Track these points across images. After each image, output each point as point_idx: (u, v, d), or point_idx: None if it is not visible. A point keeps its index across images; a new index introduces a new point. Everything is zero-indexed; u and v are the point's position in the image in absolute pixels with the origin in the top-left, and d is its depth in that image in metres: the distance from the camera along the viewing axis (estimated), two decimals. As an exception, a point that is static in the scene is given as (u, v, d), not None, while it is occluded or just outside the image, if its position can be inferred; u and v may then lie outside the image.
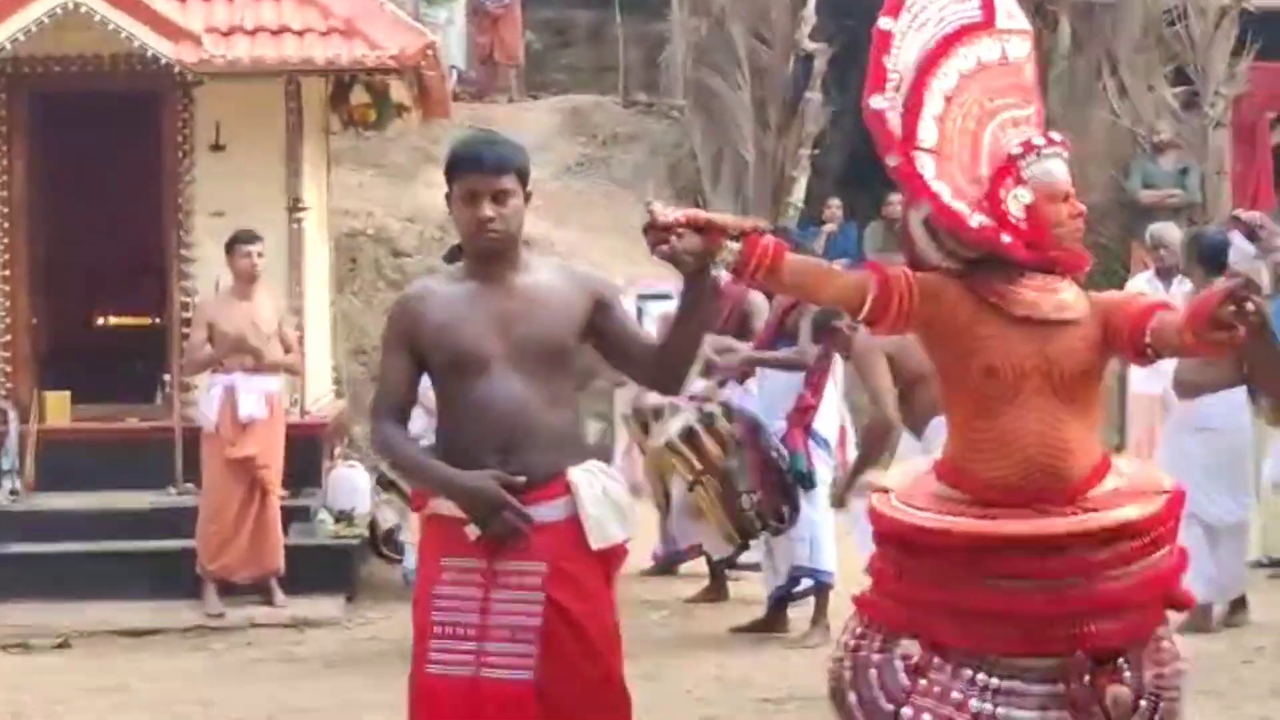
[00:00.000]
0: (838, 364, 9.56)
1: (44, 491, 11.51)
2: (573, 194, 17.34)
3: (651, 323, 10.80)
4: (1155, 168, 16.84)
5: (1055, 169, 4.50)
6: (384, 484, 10.44)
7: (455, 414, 4.74)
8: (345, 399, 13.42)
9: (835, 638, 4.82)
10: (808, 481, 9.19)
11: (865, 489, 5.89)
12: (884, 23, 4.55)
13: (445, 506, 4.71)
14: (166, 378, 11.93)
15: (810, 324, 9.10)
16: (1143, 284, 11.22)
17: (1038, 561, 4.35)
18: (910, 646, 4.45)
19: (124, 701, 8.57)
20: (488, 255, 4.76)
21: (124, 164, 12.61)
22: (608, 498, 4.72)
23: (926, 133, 4.48)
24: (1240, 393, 9.30)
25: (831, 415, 9.50)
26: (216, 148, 11.82)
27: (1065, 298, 4.48)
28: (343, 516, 11.48)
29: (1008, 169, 4.49)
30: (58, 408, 11.87)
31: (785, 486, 9.14)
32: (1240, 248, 11.83)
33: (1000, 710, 4.35)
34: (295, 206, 11.95)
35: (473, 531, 4.62)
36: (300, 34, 11.66)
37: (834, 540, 9.19)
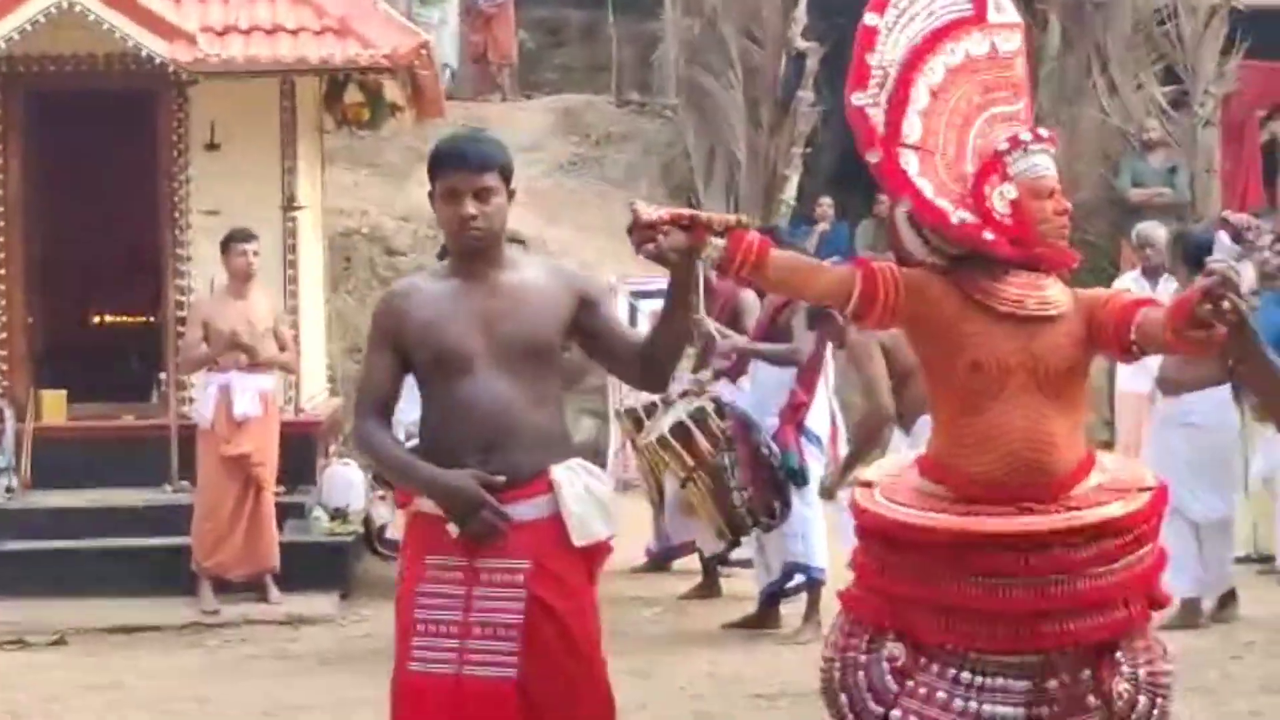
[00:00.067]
0: (828, 362, 9.57)
1: (40, 489, 11.51)
2: (566, 193, 17.34)
3: (645, 320, 10.81)
4: (1144, 166, 16.85)
5: (1042, 164, 4.48)
6: (379, 481, 10.44)
7: (439, 412, 4.72)
8: (340, 397, 13.41)
9: (826, 634, 4.81)
10: (799, 478, 9.19)
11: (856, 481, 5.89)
12: (869, 18, 4.53)
13: (428, 505, 4.69)
14: (162, 376, 11.94)
15: (805, 314, 9.09)
16: (1129, 283, 11.22)
17: (1021, 559, 4.32)
18: (895, 649, 4.43)
19: (120, 698, 8.56)
20: (471, 253, 4.74)
21: (119, 163, 12.62)
22: (591, 495, 4.70)
23: (911, 128, 4.47)
24: (1224, 390, 9.32)
25: (823, 412, 9.50)
26: (211, 147, 11.82)
27: (1050, 294, 4.47)
28: (337, 514, 11.47)
29: (994, 165, 4.47)
30: (54, 406, 11.87)
31: (776, 483, 9.15)
32: (1225, 247, 11.87)
33: (985, 707, 4.34)
34: (290, 205, 11.95)
35: (453, 529, 4.61)
36: (294, 33, 11.66)
37: (825, 536, 9.18)
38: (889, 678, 4.43)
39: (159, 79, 11.48)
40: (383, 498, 10.87)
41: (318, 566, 10.88)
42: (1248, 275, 11.31)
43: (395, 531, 10.29)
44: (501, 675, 4.56)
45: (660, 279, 4.68)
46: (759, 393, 9.48)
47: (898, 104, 4.47)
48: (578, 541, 4.66)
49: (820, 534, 9.23)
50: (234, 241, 10.57)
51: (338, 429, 12.97)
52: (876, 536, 4.53)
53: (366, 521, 11.51)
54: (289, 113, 11.96)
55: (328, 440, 12.44)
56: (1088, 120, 17.24)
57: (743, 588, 10.08)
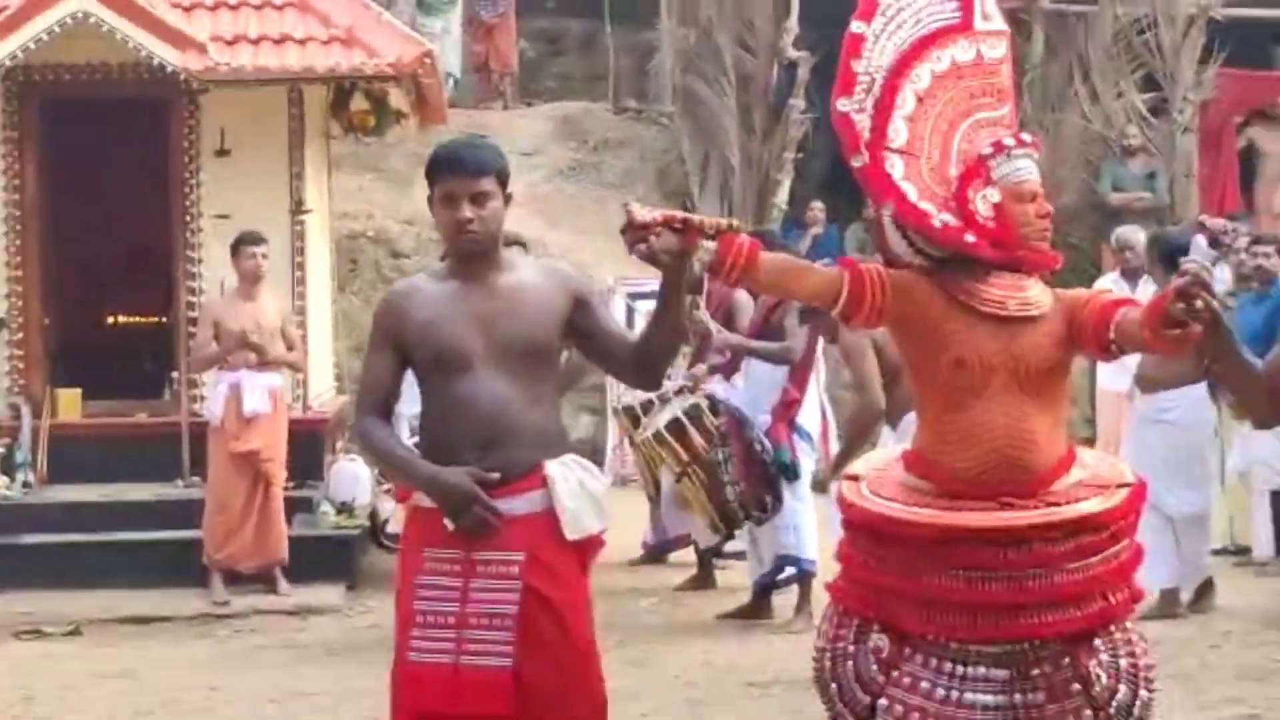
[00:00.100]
0: (820, 360, 9.57)
1: (56, 484, 11.50)
2: (565, 198, 17.34)
3: (642, 320, 10.80)
4: (1125, 171, 16.85)
5: (1024, 169, 4.45)
6: (383, 476, 10.42)
7: (438, 410, 4.72)
8: (346, 395, 13.39)
9: (817, 624, 4.80)
10: (791, 473, 9.19)
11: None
12: (856, 26, 4.50)
13: (426, 500, 4.69)
14: (174, 375, 11.93)
15: (797, 311, 9.09)
16: (1109, 284, 11.21)
17: (1000, 553, 4.30)
18: (879, 640, 4.42)
19: (132, 687, 8.55)
20: (468, 255, 4.74)
21: (132, 168, 12.62)
22: (584, 490, 4.69)
23: (897, 133, 4.44)
24: (1200, 388, 9.31)
25: (814, 409, 9.50)
26: (222, 153, 11.82)
27: (1031, 295, 4.44)
28: (344, 508, 11.48)
29: (977, 169, 4.44)
30: (69, 404, 11.87)
31: (768, 478, 9.15)
32: (1202, 250, 11.86)
33: (967, 695, 4.32)
34: (298, 209, 11.94)
35: (449, 524, 4.61)
36: (302, 43, 11.66)
37: (816, 529, 9.17)
38: (874, 668, 4.42)
39: (171, 87, 11.48)
40: (388, 491, 10.86)
41: (325, 559, 10.88)
42: (1223, 277, 11.32)
43: (398, 525, 10.28)
44: (498, 665, 4.55)
45: (656, 281, 4.66)
46: (752, 390, 9.48)
47: (884, 109, 4.45)
48: (570, 535, 4.65)
49: (811, 527, 9.23)
50: (243, 244, 10.56)
51: (344, 426, 12.95)
52: (862, 530, 4.52)
53: (372, 515, 11.51)
54: (297, 120, 11.95)
55: (335, 437, 12.44)
56: (1070, 126, 17.24)
57: (737, 579, 10.08)
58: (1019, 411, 4.37)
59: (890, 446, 6.79)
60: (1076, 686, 4.30)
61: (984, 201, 4.42)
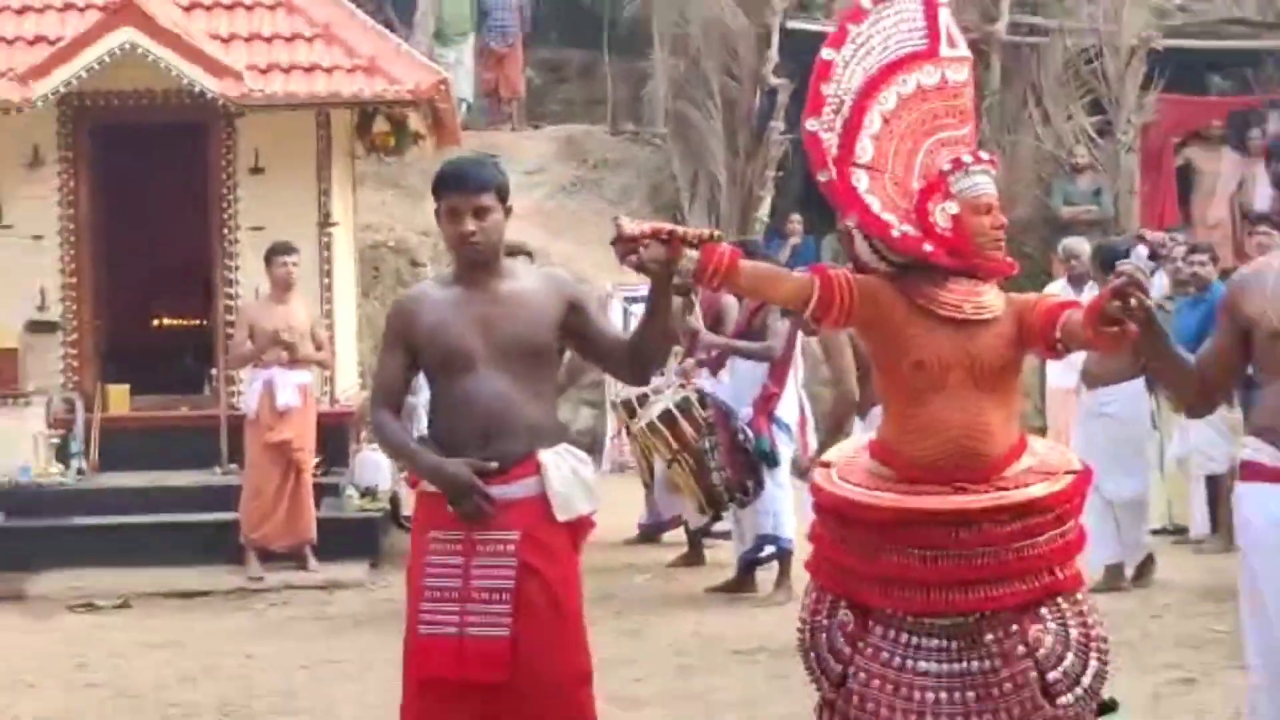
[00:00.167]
0: (798, 358, 9.58)
1: (106, 471, 11.52)
2: (568, 212, 17.33)
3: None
4: (1074, 187, 16.85)
5: (981, 184, 4.40)
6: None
7: (445, 405, 4.74)
8: (370, 390, 13.38)
9: (798, 596, 4.81)
10: (771, 460, 9.20)
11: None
12: (826, 53, 4.46)
13: (432, 486, 4.71)
14: (213, 372, 11.94)
15: (778, 315, 9.09)
16: (1057, 290, 11.22)
17: (952, 533, 4.28)
18: (845, 614, 4.41)
19: (176, 655, 8.55)
20: (472, 264, 4.74)
21: (175, 186, 12.62)
22: (576, 477, 4.71)
23: (863, 150, 4.41)
24: (1138, 384, 9.33)
25: (792, 402, 9.50)
26: (256, 171, 11.82)
27: (986, 300, 4.41)
28: (367, 492, 11.47)
29: (938, 184, 4.41)
30: (118, 399, 11.88)
31: (751, 464, 9.15)
32: (1141, 258, 11.87)
33: (920, 664, 4.30)
34: (325, 222, 11.94)
35: (451, 508, 4.63)
36: (329, 71, 11.66)
37: (794, 511, 9.18)
38: (842, 640, 4.41)
39: (210, 112, 11.48)
40: (405, 478, 10.87)
41: (350, 539, 10.88)
42: (1160, 284, 11.32)
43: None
44: (497, 634, 4.57)
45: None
46: (736, 385, 9.48)
47: (852, 128, 4.41)
48: (561, 516, 4.67)
49: (788, 510, 9.23)
50: (276, 254, 10.56)
51: (367, 418, 12.95)
52: (830, 512, 4.50)
53: (393, 499, 11.52)
54: (324, 141, 11.95)
55: (359, 428, 12.43)
56: (1024, 146, 17.23)
57: (724, 556, 10.08)
58: (975, 406, 4.34)
59: (860, 436, 6.81)
60: (1022, 650, 4.26)
61: (943, 213, 4.38)
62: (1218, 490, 10.43)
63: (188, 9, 11.95)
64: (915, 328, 4.37)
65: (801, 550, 7.55)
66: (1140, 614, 8.68)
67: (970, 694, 4.26)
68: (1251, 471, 4.52)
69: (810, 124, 4.44)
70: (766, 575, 9.50)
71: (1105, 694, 4.39)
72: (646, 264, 4.36)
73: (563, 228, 16.71)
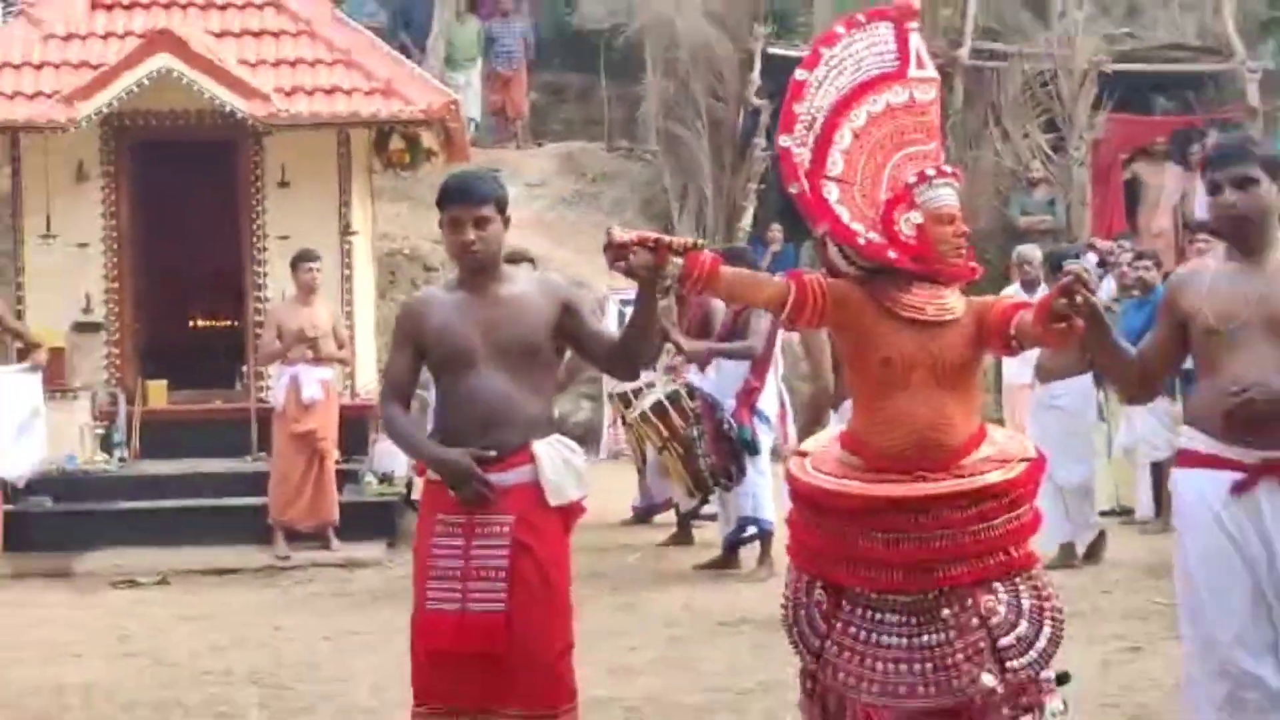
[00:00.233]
0: (778, 356, 9.58)
1: (146, 459, 11.53)
2: (567, 222, 17.32)
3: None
4: (1030, 199, 16.86)
5: (944, 195, 4.37)
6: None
7: (449, 400, 4.75)
8: (380, 385, 13.37)
9: (778, 573, 4.80)
10: (752, 449, 9.20)
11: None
12: (799, 74, 4.44)
13: (436, 473, 4.72)
14: (244, 368, 11.93)
15: (760, 316, 9.09)
16: (1012, 294, 11.23)
17: (913, 518, 4.26)
18: (819, 594, 4.41)
19: (211, 626, 8.55)
20: (473, 270, 4.74)
21: (208, 199, 12.60)
22: (567, 465, 4.72)
23: (834, 164, 4.38)
24: (1086, 379, 9.34)
25: (772, 396, 9.50)
26: (283, 185, 11.82)
27: (948, 302, 4.39)
28: (384, 478, 11.47)
29: (903, 195, 4.38)
30: (157, 393, 11.87)
31: (734, 452, 9.15)
32: (1090, 264, 11.85)
33: (883, 638, 4.29)
34: (346, 231, 11.94)
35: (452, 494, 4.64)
36: (349, 93, 11.65)
37: (773, 495, 9.17)
38: (818, 617, 4.41)
39: (240, 130, 11.48)
40: (414, 466, 10.86)
41: (369, 521, 10.88)
42: (1108, 288, 11.32)
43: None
44: (494, 609, 4.58)
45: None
46: (721, 380, 9.47)
47: (824, 143, 4.38)
48: (553, 501, 4.68)
49: (768, 494, 9.22)
50: (301, 261, 10.57)
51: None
52: (803, 500, 4.49)
53: (408, 485, 11.48)
54: (345, 157, 11.95)
55: (377, 420, 12.43)
56: (985, 162, 17.23)
57: (711, 536, 10.08)
58: (938, 401, 4.32)
59: (834, 427, 6.80)
60: (976, 622, 4.25)
61: (908, 223, 4.35)
62: (1162, 476, 10.42)
63: (219, 36, 11.93)
64: (883, 328, 4.35)
65: (782, 532, 7.57)
66: (1091, 589, 8.68)
67: (928, 665, 4.25)
68: (1186, 458, 4.52)
69: (783, 139, 4.42)
70: (749, 554, 9.50)
71: (1059, 664, 4.39)
72: (634, 269, 4.36)
73: (563, 236, 16.71)
